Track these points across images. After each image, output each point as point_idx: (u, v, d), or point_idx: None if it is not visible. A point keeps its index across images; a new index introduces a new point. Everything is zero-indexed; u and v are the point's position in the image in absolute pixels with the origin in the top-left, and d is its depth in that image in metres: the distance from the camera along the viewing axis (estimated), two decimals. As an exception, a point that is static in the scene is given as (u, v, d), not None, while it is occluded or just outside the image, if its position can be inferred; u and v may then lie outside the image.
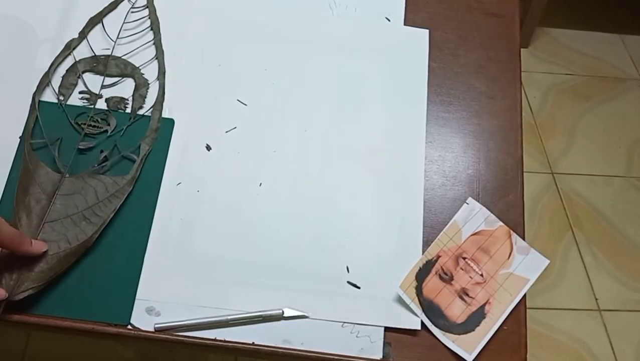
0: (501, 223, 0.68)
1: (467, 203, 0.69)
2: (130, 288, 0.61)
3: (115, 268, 0.61)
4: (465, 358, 0.61)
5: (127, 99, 0.69)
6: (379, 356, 0.61)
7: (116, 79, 0.71)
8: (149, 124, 0.68)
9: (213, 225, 0.65)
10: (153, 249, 0.63)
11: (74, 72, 0.71)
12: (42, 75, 0.70)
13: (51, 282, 0.60)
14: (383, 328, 0.62)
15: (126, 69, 0.71)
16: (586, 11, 2.00)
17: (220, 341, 0.60)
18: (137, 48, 0.73)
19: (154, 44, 0.73)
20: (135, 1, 0.76)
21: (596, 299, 1.43)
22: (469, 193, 0.70)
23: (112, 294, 0.60)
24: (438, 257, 0.66)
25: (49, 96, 0.69)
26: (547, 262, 0.66)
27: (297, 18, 0.73)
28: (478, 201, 0.69)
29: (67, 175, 0.63)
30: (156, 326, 0.59)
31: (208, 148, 0.69)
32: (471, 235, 0.67)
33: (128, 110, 0.69)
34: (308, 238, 0.66)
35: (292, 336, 0.61)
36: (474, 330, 0.62)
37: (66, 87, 0.70)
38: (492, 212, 0.68)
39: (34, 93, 0.68)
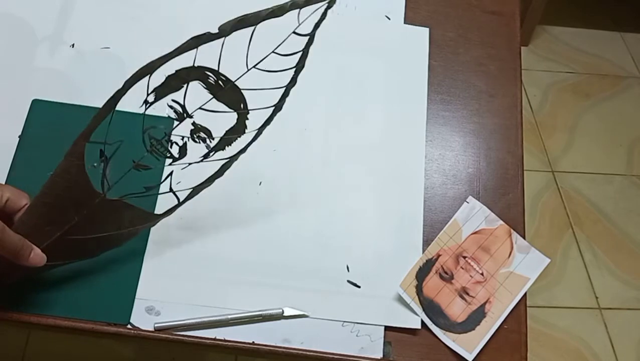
0: (501, 222, 0.67)
1: (468, 202, 0.69)
2: (130, 287, 0.61)
3: (115, 268, 0.61)
4: (465, 357, 0.61)
5: (213, 138, 0.57)
6: (379, 355, 0.61)
7: (219, 109, 0.56)
8: (214, 173, 0.59)
9: (213, 224, 0.65)
10: (153, 249, 0.63)
11: (183, 79, 0.54)
12: (39, 72, 0.70)
13: (51, 282, 0.60)
14: (383, 327, 0.62)
15: (237, 106, 0.56)
16: (586, 9, 2.00)
17: (220, 340, 0.60)
18: (264, 88, 0.54)
19: (284, 90, 0.57)
20: (302, 22, 0.55)
21: (596, 297, 1.43)
22: (469, 192, 0.70)
23: (112, 293, 0.60)
24: (438, 255, 0.65)
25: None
26: (548, 260, 0.66)
27: (296, 17, 0.73)
28: (478, 200, 0.69)
29: (104, 197, 0.54)
30: (156, 325, 0.59)
31: (208, 147, 0.69)
32: (471, 233, 0.67)
33: (205, 145, 0.58)
34: (308, 237, 0.65)
35: (292, 336, 0.61)
36: (474, 329, 0.62)
37: (164, 89, 0.55)
38: (492, 211, 0.68)
39: (127, 81, 0.51)
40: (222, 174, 0.59)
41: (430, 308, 0.63)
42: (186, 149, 0.58)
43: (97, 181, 0.54)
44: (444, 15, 0.81)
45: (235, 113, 0.57)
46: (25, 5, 0.75)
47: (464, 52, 0.79)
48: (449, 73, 0.77)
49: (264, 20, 0.52)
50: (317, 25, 0.55)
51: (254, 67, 0.54)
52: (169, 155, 0.57)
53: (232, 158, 0.58)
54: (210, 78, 0.55)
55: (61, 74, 0.71)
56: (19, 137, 0.67)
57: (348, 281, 0.64)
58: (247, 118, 0.57)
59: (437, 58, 0.78)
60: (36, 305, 0.59)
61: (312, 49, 0.79)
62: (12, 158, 0.66)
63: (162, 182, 0.58)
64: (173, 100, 0.56)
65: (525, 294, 0.64)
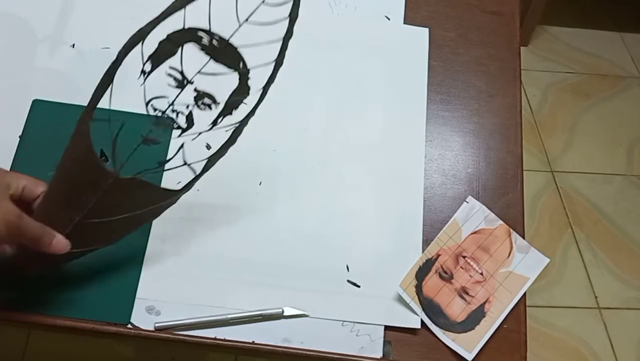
0: (501, 222, 0.68)
1: (467, 202, 0.69)
2: (130, 287, 0.61)
3: (116, 268, 0.61)
4: (465, 356, 0.61)
5: (218, 103, 0.55)
6: (379, 355, 0.61)
7: (218, 70, 0.54)
8: (227, 141, 0.56)
9: (213, 224, 0.65)
10: (153, 248, 0.63)
11: (177, 42, 0.53)
12: (39, 72, 0.70)
13: (52, 282, 0.60)
14: (383, 327, 0.62)
15: (237, 65, 0.54)
16: (586, 9, 2.00)
17: (220, 340, 0.60)
18: (259, 43, 0.52)
19: (281, 45, 0.54)
20: None
21: (596, 297, 1.43)
22: (468, 192, 0.70)
23: (113, 293, 0.60)
24: (438, 255, 0.66)
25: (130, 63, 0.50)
26: (547, 260, 0.66)
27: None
28: (478, 200, 0.69)
29: (118, 176, 0.52)
30: (156, 325, 0.59)
31: (208, 147, 0.69)
32: (471, 233, 0.67)
33: (211, 112, 0.56)
34: (308, 237, 0.66)
35: (292, 335, 0.61)
36: (474, 329, 0.62)
37: (159, 55, 0.53)
38: (491, 211, 0.68)
39: (120, 51, 0.49)
40: (235, 141, 0.56)
41: (430, 307, 0.63)
42: (193, 118, 0.55)
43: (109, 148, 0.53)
44: (444, 16, 0.81)
45: (236, 75, 0.54)
46: (26, 5, 0.75)
47: (464, 52, 0.79)
48: (448, 73, 0.77)
49: None
50: None
51: (245, 21, 0.52)
52: (176, 126, 0.55)
53: (242, 123, 0.55)
54: (204, 39, 0.53)
55: (61, 74, 0.71)
56: (20, 137, 0.67)
57: (348, 281, 0.64)
58: (249, 78, 0.54)
59: (437, 58, 0.78)
60: (36, 304, 0.59)
61: (311, 48, 0.79)
62: (12, 158, 0.66)
63: (174, 156, 0.56)
64: (171, 67, 0.54)
65: (524, 294, 0.64)
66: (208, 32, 0.52)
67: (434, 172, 0.71)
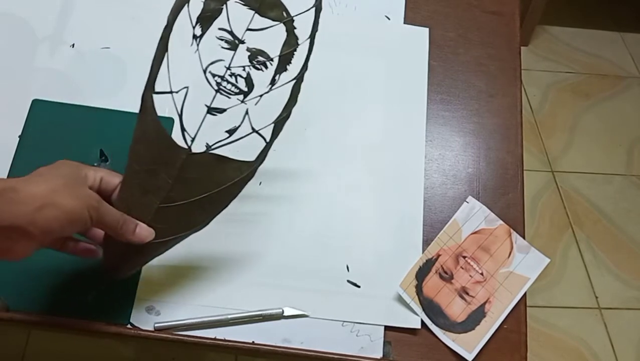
0: (501, 222, 0.67)
1: (467, 202, 0.69)
2: (130, 287, 0.61)
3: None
4: (465, 357, 0.61)
5: (272, 58, 0.54)
6: (379, 355, 0.61)
7: (266, 24, 0.53)
8: (286, 101, 0.55)
9: (213, 224, 0.65)
10: (153, 248, 0.63)
11: (220, 0, 0.53)
12: (39, 72, 0.70)
13: (52, 281, 0.60)
14: (383, 327, 0.62)
15: (281, 15, 0.53)
16: (586, 9, 2.00)
17: (220, 340, 0.60)
18: None
19: None
20: None
21: (596, 297, 1.43)
22: (469, 192, 0.70)
23: (113, 293, 0.60)
24: (438, 255, 0.65)
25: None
26: (547, 260, 0.66)
27: (296, 17, 0.73)
28: (478, 200, 0.69)
29: (191, 152, 0.52)
30: (156, 325, 0.59)
31: (208, 147, 0.69)
32: (471, 233, 0.67)
33: (267, 72, 0.55)
34: (308, 237, 0.65)
35: (292, 336, 0.61)
36: (474, 329, 0.62)
37: (207, 16, 0.53)
38: (492, 211, 0.68)
39: (170, 15, 0.50)
40: (296, 100, 0.54)
41: (430, 308, 0.63)
42: (252, 80, 0.55)
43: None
44: (444, 15, 0.81)
45: (282, 26, 0.54)
46: (26, 5, 0.75)
47: (464, 52, 0.79)
48: (448, 73, 0.77)
49: None
50: None
51: None
52: (238, 90, 0.55)
53: (299, 79, 0.54)
54: None
55: (61, 74, 0.71)
56: (19, 136, 0.67)
57: (348, 281, 0.64)
58: (295, 27, 0.54)
59: (437, 58, 0.78)
60: (36, 304, 0.59)
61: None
62: (12, 158, 0.66)
63: (241, 123, 0.55)
64: (220, 29, 0.53)
65: (525, 294, 0.64)
66: None
67: (434, 172, 0.71)
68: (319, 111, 0.73)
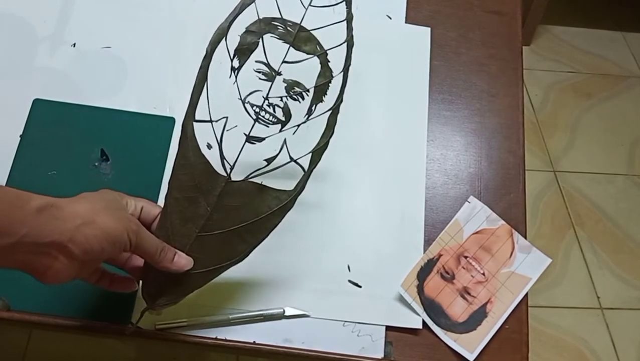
0: (503, 222, 0.67)
1: (469, 202, 0.69)
2: (131, 287, 0.61)
3: (117, 268, 0.61)
4: (466, 357, 0.61)
5: (308, 90, 0.57)
6: (380, 355, 0.61)
7: (301, 57, 0.55)
8: (323, 131, 0.56)
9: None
10: (154, 248, 0.63)
11: (256, 32, 0.55)
12: (40, 72, 0.70)
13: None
14: (384, 327, 0.62)
15: (315, 48, 0.56)
16: (588, 8, 2.00)
17: (221, 340, 0.60)
18: (326, 26, 0.55)
19: (347, 27, 0.56)
20: None
21: (598, 297, 1.43)
22: (470, 192, 0.70)
23: (114, 293, 0.60)
24: (439, 255, 0.65)
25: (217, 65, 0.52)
26: (549, 260, 0.65)
27: (297, 16, 0.72)
28: (480, 199, 0.69)
29: (230, 179, 0.53)
30: (157, 325, 0.59)
31: (209, 147, 0.69)
32: (473, 233, 0.67)
33: (303, 103, 0.58)
34: (309, 236, 0.65)
35: (293, 336, 0.61)
36: (475, 329, 0.62)
37: (244, 49, 0.55)
38: (493, 211, 0.68)
39: (208, 46, 0.52)
40: (333, 131, 0.55)
41: (432, 308, 0.63)
42: (290, 110, 0.57)
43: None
44: (446, 15, 0.81)
45: (316, 59, 0.56)
46: (26, 5, 0.75)
47: (466, 52, 0.79)
48: (450, 73, 0.77)
49: None
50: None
51: (309, 4, 0.55)
52: (276, 120, 0.56)
53: (334, 110, 0.55)
54: (279, 27, 0.55)
55: (62, 74, 0.71)
56: (20, 136, 0.67)
57: (349, 281, 0.64)
58: (329, 60, 0.56)
59: (439, 58, 0.78)
60: (38, 304, 0.59)
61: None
62: (13, 157, 0.66)
63: (279, 152, 0.56)
64: (257, 62, 0.56)
65: (526, 294, 0.64)
66: (281, 19, 0.55)
67: (435, 172, 0.71)
68: (320, 110, 0.72)
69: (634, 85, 1.83)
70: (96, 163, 0.66)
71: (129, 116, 0.69)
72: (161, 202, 0.63)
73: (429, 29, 0.79)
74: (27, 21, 0.74)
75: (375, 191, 0.69)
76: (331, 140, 0.71)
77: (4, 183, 0.64)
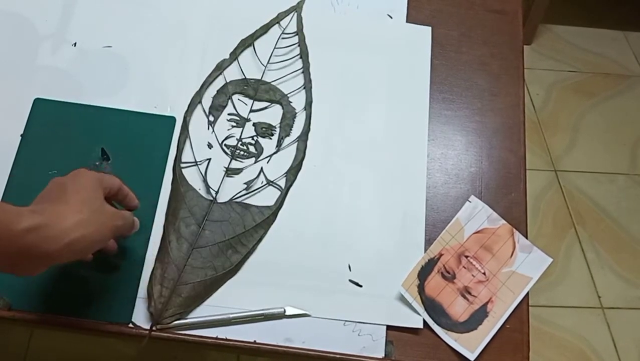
0: (504, 222, 0.67)
1: (470, 201, 0.68)
2: (131, 286, 0.61)
3: (117, 267, 0.61)
4: (467, 356, 0.61)
5: (275, 127, 0.70)
6: (381, 354, 0.61)
7: (264, 105, 0.71)
8: (294, 155, 0.68)
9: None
10: (154, 248, 0.63)
11: (225, 94, 0.71)
12: (41, 71, 0.70)
13: (54, 281, 0.60)
14: (385, 327, 0.62)
15: (275, 96, 0.71)
16: (589, 8, 1.99)
17: (222, 339, 0.60)
18: (286, 75, 0.73)
19: (302, 72, 0.73)
20: (286, 27, 0.76)
21: (599, 297, 1.42)
22: (471, 191, 0.70)
23: (114, 293, 0.60)
24: (440, 255, 0.65)
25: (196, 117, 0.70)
26: (550, 260, 0.65)
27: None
28: (480, 199, 0.69)
29: (216, 202, 0.64)
30: (157, 325, 0.59)
31: (209, 146, 0.69)
32: (474, 233, 0.67)
33: (274, 138, 0.69)
34: (310, 236, 0.65)
35: (294, 335, 0.61)
36: (476, 329, 0.62)
37: (216, 108, 0.70)
38: (494, 210, 0.68)
39: (185, 113, 0.69)
40: (304, 154, 0.69)
41: (432, 307, 0.63)
42: (261, 145, 0.69)
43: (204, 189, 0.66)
44: (447, 14, 0.81)
45: (278, 103, 0.71)
46: (28, 4, 0.75)
47: (467, 51, 0.79)
48: (451, 72, 0.77)
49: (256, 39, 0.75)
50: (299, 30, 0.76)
51: (268, 62, 0.74)
52: (249, 154, 0.68)
53: (301, 139, 0.70)
54: (244, 86, 0.72)
55: (63, 73, 0.71)
56: (21, 135, 0.67)
57: (350, 280, 0.64)
58: (291, 102, 0.71)
59: (440, 57, 0.78)
60: (38, 303, 0.59)
61: (314, 47, 0.79)
62: (14, 156, 0.66)
63: (256, 178, 0.67)
64: (229, 114, 0.70)
65: (527, 293, 0.64)
66: (245, 79, 0.72)
67: (436, 171, 0.71)
68: (321, 110, 0.72)
69: (636, 85, 1.83)
70: (97, 163, 0.66)
71: (130, 115, 0.69)
72: (162, 204, 0.64)
73: (429, 28, 0.79)
74: (28, 20, 0.74)
75: (376, 190, 0.69)
76: (332, 140, 0.72)
77: (5, 182, 0.64)
